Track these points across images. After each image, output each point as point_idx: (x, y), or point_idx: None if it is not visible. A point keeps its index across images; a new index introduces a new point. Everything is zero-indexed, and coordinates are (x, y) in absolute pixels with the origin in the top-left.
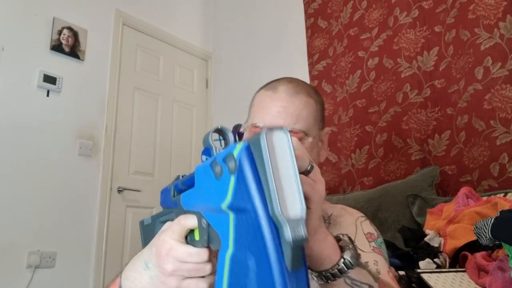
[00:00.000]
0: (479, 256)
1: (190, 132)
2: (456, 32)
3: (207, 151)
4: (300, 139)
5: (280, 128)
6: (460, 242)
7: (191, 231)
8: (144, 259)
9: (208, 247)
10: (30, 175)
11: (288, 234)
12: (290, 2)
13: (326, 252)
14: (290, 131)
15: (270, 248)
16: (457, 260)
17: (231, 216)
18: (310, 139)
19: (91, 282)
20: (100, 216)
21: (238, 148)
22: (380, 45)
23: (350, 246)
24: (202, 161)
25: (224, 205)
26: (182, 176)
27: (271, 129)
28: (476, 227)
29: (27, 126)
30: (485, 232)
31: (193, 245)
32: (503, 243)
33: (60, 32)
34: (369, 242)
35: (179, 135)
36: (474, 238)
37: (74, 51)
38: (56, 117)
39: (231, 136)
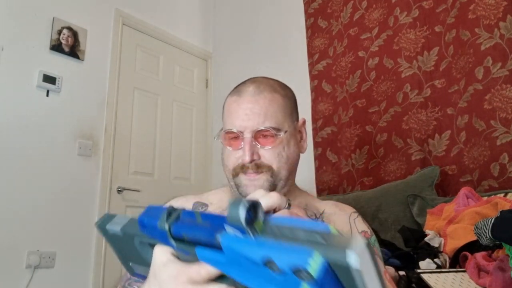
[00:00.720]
0: (479, 256)
1: (190, 132)
2: (456, 32)
3: (237, 228)
4: (272, 137)
5: (361, 242)
6: (460, 242)
7: None
8: None
9: None
10: (30, 175)
11: None
12: (290, 2)
13: None
14: (261, 130)
15: None
16: (457, 260)
17: None
18: (282, 134)
19: (91, 282)
20: (99, 216)
21: (315, 268)
22: (380, 45)
23: None
24: (228, 233)
25: None
26: (174, 210)
27: (351, 249)
28: (476, 227)
29: (27, 126)
30: (485, 232)
31: (220, 282)
32: (503, 243)
33: (59, 32)
34: None
35: (179, 135)
36: (474, 238)
37: (73, 51)
38: (55, 117)
39: (262, 214)
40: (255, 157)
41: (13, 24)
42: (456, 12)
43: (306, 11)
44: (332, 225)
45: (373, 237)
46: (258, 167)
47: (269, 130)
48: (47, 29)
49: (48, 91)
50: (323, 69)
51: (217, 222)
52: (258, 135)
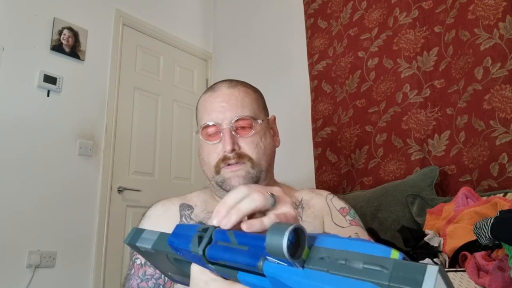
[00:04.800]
0: (478, 256)
1: (190, 132)
2: (455, 32)
3: (280, 260)
4: (250, 125)
5: (433, 272)
6: (460, 242)
7: None
8: None
9: None
10: (30, 175)
11: None
12: (290, 2)
13: None
14: (239, 120)
15: None
16: (457, 260)
17: None
18: (260, 121)
19: (91, 282)
20: (100, 216)
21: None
22: (380, 45)
23: None
24: (271, 262)
25: None
26: (205, 230)
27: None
28: (476, 227)
29: (27, 126)
30: (485, 232)
31: None
32: (502, 243)
33: (60, 32)
34: (344, 216)
35: (179, 135)
36: (473, 238)
37: (74, 51)
38: (56, 117)
39: (307, 238)
40: (236, 148)
41: (14, 25)
42: (456, 13)
43: (306, 12)
44: (393, 249)
45: (352, 210)
46: (239, 156)
47: (247, 119)
48: (48, 29)
49: (48, 91)
50: (322, 69)
51: (255, 244)
52: (236, 126)
